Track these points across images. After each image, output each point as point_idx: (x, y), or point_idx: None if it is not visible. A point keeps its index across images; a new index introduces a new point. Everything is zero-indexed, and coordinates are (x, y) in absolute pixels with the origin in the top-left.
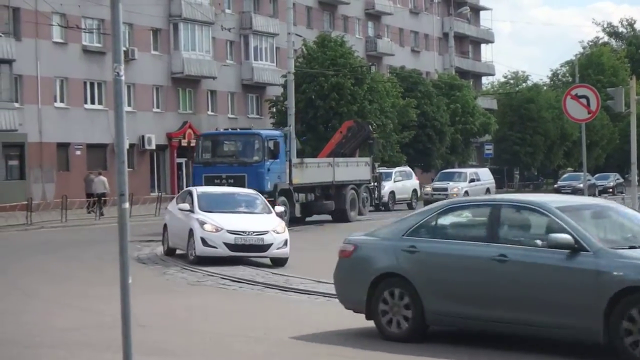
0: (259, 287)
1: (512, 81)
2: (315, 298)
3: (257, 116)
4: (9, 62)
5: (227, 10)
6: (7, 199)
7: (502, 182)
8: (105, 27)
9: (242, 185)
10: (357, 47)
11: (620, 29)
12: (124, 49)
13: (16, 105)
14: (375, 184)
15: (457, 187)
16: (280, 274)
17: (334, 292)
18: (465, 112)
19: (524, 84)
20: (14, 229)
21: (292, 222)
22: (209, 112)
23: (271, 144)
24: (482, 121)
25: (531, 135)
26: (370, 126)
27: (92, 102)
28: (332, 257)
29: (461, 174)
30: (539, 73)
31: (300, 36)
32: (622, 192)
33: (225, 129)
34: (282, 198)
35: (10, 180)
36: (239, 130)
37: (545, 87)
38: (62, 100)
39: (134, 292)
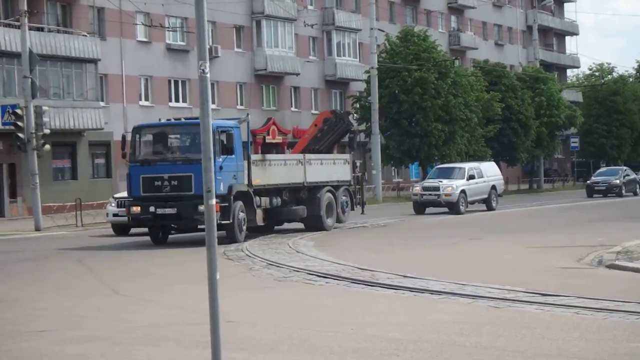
0: (345, 282)
1: (597, 73)
2: (402, 293)
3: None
4: (94, 61)
5: (310, 7)
6: (94, 197)
7: (589, 175)
8: (189, 26)
9: (189, 188)
10: (440, 41)
11: None
12: (208, 46)
13: (102, 104)
14: (358, 186)
15: (451, 186)
16: (366, 269)
17: (420, 286)
18: (550, 105)
19: (609, 76)
20: (100, 226)
21: (253, 231)
22: (293, 109)
23: (224, 137)
24: (567, 114)
25: (617, 127)
26: (350, 117)
27: (177, 100)
28: (419, 253)
29: (459, 170)
30: (625, 65)
31: (383, 31)
32: None
33: (168, 120)
34: (239, 202)
35: (97, 179)
36: (182, 120)
37: (631, 79)
38: (147, 99)
39: (220, 288)
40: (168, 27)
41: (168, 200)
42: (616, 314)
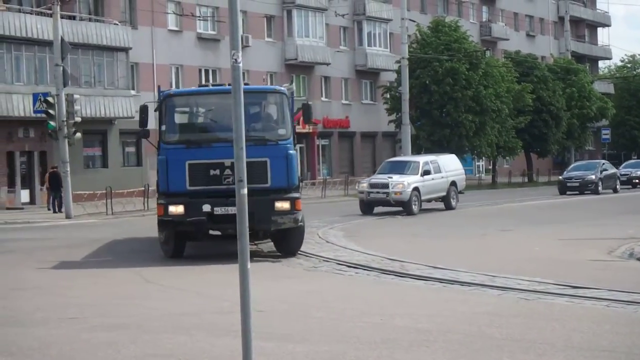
0: (375, 272)
1: (629, 65)
2: (432, 284)
3: (371, 102)
4: (125, 50)
5: None
6: (125, 185)
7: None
8: (220, 15)
9: (263, 179)
10: (472, 31)
11: None
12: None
13: (132, 92)
14: None
15: (402, 183)
16: (396, 260)
17: (449, 277)
18: (582, 97)
19: None
20: (130, 214)
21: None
22: (323, 99)
23: (285, 106)
24: (598, 106)
25: None
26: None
27: None
28: (449, 244)
29: (413, 164)
30: None
31: (414, 21)
32: None
33: (204, 85)
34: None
35: (127, 167)
36: (244, 85)
37: None
38: (177, 88)
39: (251, 277)
40: (199, 17)
41: (232, 195)
42: None
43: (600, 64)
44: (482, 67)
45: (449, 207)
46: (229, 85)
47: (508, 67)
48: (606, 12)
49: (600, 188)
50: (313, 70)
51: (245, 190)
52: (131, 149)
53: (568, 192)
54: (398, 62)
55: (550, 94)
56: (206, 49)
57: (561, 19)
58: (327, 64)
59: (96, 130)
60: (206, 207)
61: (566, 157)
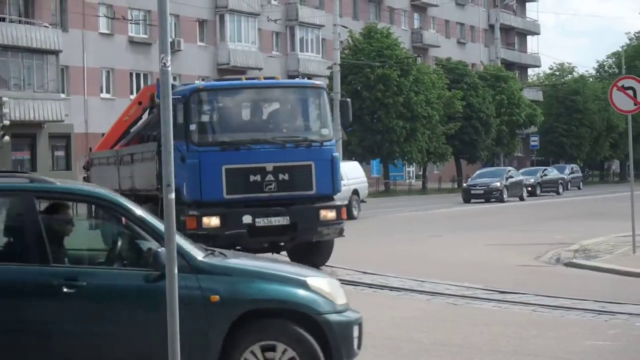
0: None
1: (557, 73)
2: (362, 289)
3: None
4: (55, 52)
5: (273, 2)
6: None
7: None
8: (152, 19)
9: (307, 186)
10: (403, 38)
11: None
12: (170, 39)
13: (62, 96)
14: None
15: None
16: (326, 265)
17: (379, 283)
18: (511, 104)
19: (569, 76)
20: None
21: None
22: None
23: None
24: (527, 113)
25: (577, 126)
26: None
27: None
28: (378, 249)
29: None
30: (585, 65)
31: (347, 27)
32: (557, 191)
33: (236, 78)
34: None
35: (56, 171)
36: (279, 79)
37: (591, 79)
38: (108, 91)
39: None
40: (131, 20)
41: (274, 204)
42: (573, 312)
43: (530, 71)
44: (413, 73)
45: (349, 216)
46: (265, 79)
47: (439, 74)
48: (536, 20)
49: (505, 196)
50: (245, 75)
51: (173, 195)
52: (60, 153)
53: (472, 200)
54: (330, 67)
55: (480, 100)
56: (138, 52)
57: (491, 26)
58: (260, 69)
59: (25, 134)
60: (247, 219)
61: (495, 163)
